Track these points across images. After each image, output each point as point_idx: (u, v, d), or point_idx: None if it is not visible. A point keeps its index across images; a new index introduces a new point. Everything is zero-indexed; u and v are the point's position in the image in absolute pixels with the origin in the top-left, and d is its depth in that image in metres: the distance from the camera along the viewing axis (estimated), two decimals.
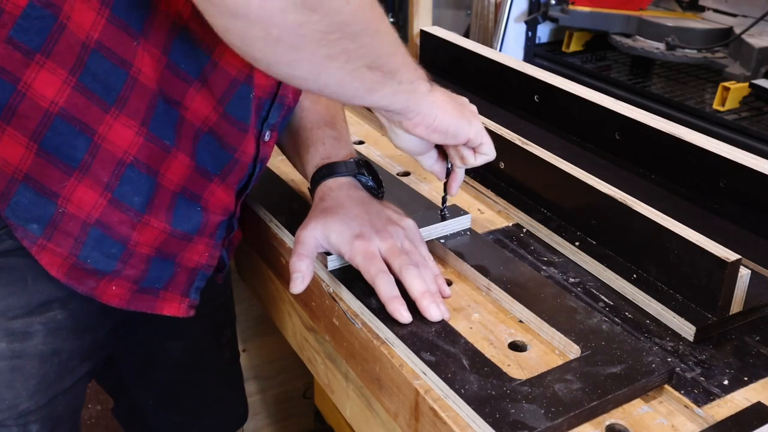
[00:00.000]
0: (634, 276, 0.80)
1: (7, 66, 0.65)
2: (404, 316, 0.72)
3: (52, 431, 0.82)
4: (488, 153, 0.80)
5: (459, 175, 0.85)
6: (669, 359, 0.70)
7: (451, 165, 0.83)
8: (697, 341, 0.73)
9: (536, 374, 0.66)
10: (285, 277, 0.85)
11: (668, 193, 0.96)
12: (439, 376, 0.66)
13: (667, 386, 0.67)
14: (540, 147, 0.94)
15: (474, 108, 0.80)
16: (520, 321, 0.75)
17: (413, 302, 0.73)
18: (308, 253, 0.77)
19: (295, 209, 0.93)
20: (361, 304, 0.76)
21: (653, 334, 0.74)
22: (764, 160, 0.88)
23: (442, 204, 0.89)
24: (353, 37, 0.61)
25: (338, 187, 0.83)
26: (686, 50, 1.87)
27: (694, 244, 0.74)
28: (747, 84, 1.70)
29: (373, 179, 0.86)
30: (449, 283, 0.80)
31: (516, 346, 0.72)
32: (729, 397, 0.67)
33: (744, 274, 0.73)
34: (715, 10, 2.01)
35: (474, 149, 0.79)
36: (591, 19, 2.05)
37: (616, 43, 1.99)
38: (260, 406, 1.52)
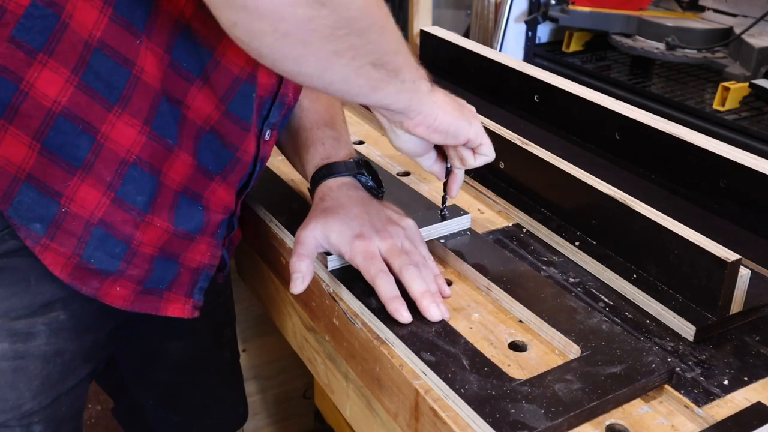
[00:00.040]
0: (634, 276, 0.80)
1: (10, 65, 0.65)
2: (404, 316, 0.72)
3: None
4: (487, 154, 0.80)
5: (459, 176, 0.85)
6: (669, 359, 0.70)
7: (450, 166, 0.83)
8: (697, 341, 0.73)
9: (536, 374, 0.66)
10: (285, 277, 0.85)
11: (668, 193, 0.96)
12: (439, 376, 0.66)
13: (667, 386, 0.67)
14: (540, 147, 0.94)
15: (473, 108, 0.80)
16: (520, 321, 0.75)
17: (413, 302, 0.73)
18: (308, 253, 0.77)
19: (295, 209, 0.93)
20: (361, 304, 0.76)
21: (653, 334, 0.74)
22: (764, 160, 0.88)
23: (442, 204, 0.89)
24: (361, 33, 0.61)
25: (338, 187, 0.83)
26: (686, 50, 1.87)
27: (694, 244, 0.74)
28: (747, 84, 1.70)
29: (373, 179, 0.86)
30: (449, 283, 0.80)
31: (516, 346, 0.72)
32: (729, 397, 0.67)
33: (744, 274, 0.73)
34: (715, 10, 2.01)
35: (473, 150, 0.79)
36: (591, 19, 2.05)
37: (616, 43, 1.99)
38: (260, 406, 1.52)
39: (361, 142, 1.15)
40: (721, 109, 1.69)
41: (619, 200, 0.82)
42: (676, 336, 0.74)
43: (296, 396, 1.55)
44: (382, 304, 0.73)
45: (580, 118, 1.09)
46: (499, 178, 1.00)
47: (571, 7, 2.06)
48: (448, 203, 0.89)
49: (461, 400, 0.63)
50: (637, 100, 1.76)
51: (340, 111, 0.93)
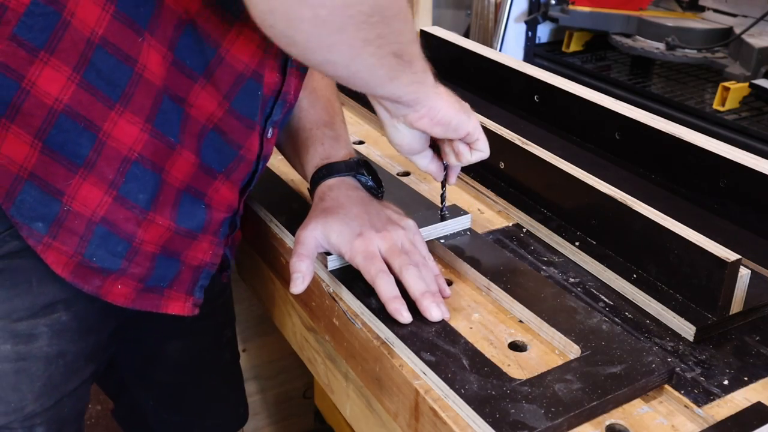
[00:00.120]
0: (634, 276, 0.80)
1: (11, 63, 0.64)
2: (404, 316, 0.72)
3: None
4: (483, 150, 0.80)
5: (456, 169, 0.85)
6: (669, 359, 0.70)
7: (446, 164, 0.83)
8: (697, 341, 0.73)
9: (536, 374, 0.66)
10: (285, 277, 0.85)
11: (668, 193, 0.96)
12: (439, 376, 0.66)
13: (667, 386, 0.67)
14: (540, 147, 0.94)
15: (467, 104, 0.80)
16: (520, 321, 0.75)
17: (413, 302, 0.73)
18: (308, 254, 0.77)
19: (295, 209, 0.93)
20: (361, 304, 0.76)
21: (653, 334, 0.74)
22: (764, 160, 0.88)
23: (442, 202, 0.89)
24: (388, 22, 0.62)
25: (338, 187, 0.83)
26: (686, 50, 1.87)
27: (694, 244, 0.74)
28: (747, 84, 1.70)
29: (372, 179, 0.86)
30: (449, 283, 0.80)
31: (516, 346, 0.72)
32: (729, 397, 0.67)
33: (744, 274, 0.73)
34: (715, 10, 2.01)
35: (470, 145, 0.79)
36: (591, 19, 2.06)
37: (616, 43, 1.99)
38: (260, 406, 1.52)
39: (361, 142, 1.15)
40: (721, 109, 1.69)
41: (619, 200, 0.82)
42: (676, 336, 0.74)
43: (296, 396, 1.55)
44: (382, 304, 0.73)
45: (580, 118, 1.09)
46: (499, 178, 1.00)
47: (571, 7, 2.06)
48: (447, 203, 0.89)
49: (461, 400, 0.63)
50: (637, 100, 1.76)
51: (339, 111, 0.93)
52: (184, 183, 0.76)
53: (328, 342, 0.84)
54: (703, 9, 2.05)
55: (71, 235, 0.71)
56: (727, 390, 0.67)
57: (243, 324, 1.39)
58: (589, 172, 0.87)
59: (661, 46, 1.89)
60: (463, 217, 0.89)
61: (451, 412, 0.64)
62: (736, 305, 0.74)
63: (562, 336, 0.71)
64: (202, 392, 1.08)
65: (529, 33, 2.19)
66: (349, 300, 0.78)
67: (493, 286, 0.78)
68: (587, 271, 0.84)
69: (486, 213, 0.96)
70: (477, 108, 0.81)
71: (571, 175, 0.87)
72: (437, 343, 0.70)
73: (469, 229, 0.89)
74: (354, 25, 0.60)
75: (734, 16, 1.95)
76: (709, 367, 0.70)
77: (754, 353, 0.72)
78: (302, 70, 0.82)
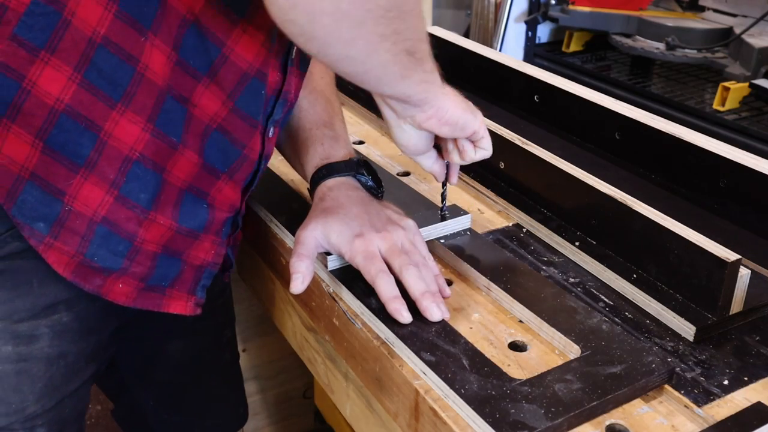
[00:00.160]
0: (634, 276, 0.80)
1: (12, 63, 0.64)
2: (404, 316, 0.72)
3: None
4: (487, 148, 0.80)
5: (456, 167, 0.85)
6: (669, 359, 0.70)
7: (448, 162, 0.83)
8: (697, 341, 0.73)
9: (536, 374, 0.66)
10: (285, 278, 0.85)
11: (668, 193, 0.96)
12: (439, 376, 0.66)
13: (667, 386, 0.67)
14: (540, 147, 0.94)
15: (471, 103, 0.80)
16: (520, 321, 0.75)
17: (413, 302, 0.73)
18: (308, 254, 0.77)
19: (295, 209, 0.93)
20: (361, 304, 0.76)
21: (653, 334, 0.74)
22: (764, 160, 0.88)
23: (442, 202, 0.89)
24: (404, 17, 0.62)
25: (338, 187, 0.83)
26: (686, 50, 1.87)
27: (694, 244, 0.74)
28: (747, 84, 1.70)
29: (372, 179, 0.86)
30: (449, 283, 0.80)
31: (516, 346, 0.72)
32: (729, 397, 0.67)
33: (744, 274, 0.73)
34: (715, 10, 2.01)
35: (474, 143, 0.79)
36: (591, 19, 2.06)
37: (616, 43, 1.99)
38: (260, 406, 1.52)
39: (361, 142, 1.15)
40: (721, 109, 1.69)
41: (619, 200, 0.82)
42: (676, 336, 0.74)
43: (296, 396, 1.55)
44: (382, 304, 0.73)
45: (580, 118, 1.09)
46: (499, 178, 1.00)
47: (571, 7, 2.06)
48: (447, 203, 0.89)
49: (461, 400, 0.63)
50: (637, 100, 1.76)
51: (338, 111, 0.93)
52: (186, 183, 0.76)
53: (328, 342, 0.84)
54: (703, 9, 2.05)
55: (73, 234, 0.71)
56: (727, 390, 0.67)
57: (243, 324, 1.39)
58: (589, 172, 0.87)
59: (661, 46, 1.89)
60: (463, 217, 0.89)
61: (451, 412, 0.64)
62: (736, 305, 0.74)
63: (562, 336, 0.71)
64: (202, 392, 1.08)
65: (529, 33, 2.19)
66: (349, 300, 0.78)
67: (493, 286, 0.78)
68: (587, 271, 0.84)
69: (486, 213, 0.96)
70: (477, 108, 0.81)
71: (571, 175, 0.87)
72: (437, 343, 0.70)
73: (469, 229, 0.89)
74: (373, 20, 0.60)
75: (734, 16, 1.95)
76: (709, 367, 0.70)
77: (754, 353, 0.72)
78: (302, 68, 0.83)
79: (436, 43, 1.37)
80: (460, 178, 0.87)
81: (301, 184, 0.98)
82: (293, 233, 0.83)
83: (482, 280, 0.80)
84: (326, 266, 0.81)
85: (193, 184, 0.77)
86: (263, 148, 0.82)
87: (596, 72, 2.01)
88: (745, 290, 0.74)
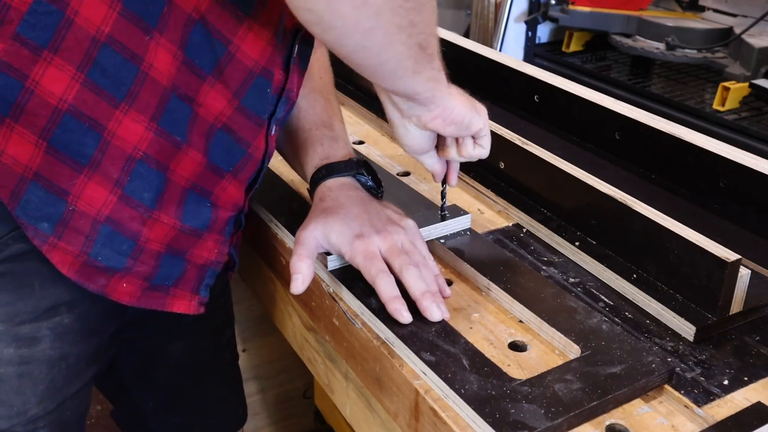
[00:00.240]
0: (634, 276, 0.80)
1: (15, 63, 0.64)
2: (405, 316, 0.72)
3: None
4: (485, 147, 0.80)
5: (456, 164, 0.85)
6: (669, 359, 0.70)
7: (446, 159, 0.83)
8: (697, 341, 0.73)
9: (536, 374, 0.66)
10: (285, 278, 0.85)
11: (668, 193, 0.96)
12: (439, 376, 0.66)
13: (667, 386, 0.67)
14: (540, 147, 0.94)
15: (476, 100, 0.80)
16: (520, 321, 0.75)
17: (413, 302, 0.73)
18: (309, 254, 0.77)
19: (295, 209, 0.93)
20: (361, 304, 0.76)
21: (653, 334, 0.74)
22: (764, 160, 0.88)
23: (442, 203, 0.89)
24: (420, 9, 0.63)
25: (338, 187, 0.83)
26: (686, 50, 1.88)
27: (694, 244, 0.74)
28: (747, 84, 1.70)
29: (372, 179, 0.86)
30: (449, 283, 0.80)
31: (516, 346, 0.72)
32: (729, 397, 0.67)
33: (744, 274, 0.73)
34: (715, 10, 2.01)
35: (475, 140, 0.79)
36: (591, 19, 2.06)
37: (616, 43, 1.99)
38: (260, 406, 1.52)
39: (361, 142, 1.15)
40: (721, 109, 1.69)
41: (619, 200, 0.82)
42: (676, 336, 0.74)
43: (296, 396, 1.55)
44: (382, 304, 0.73)
45: (580, 118, 1.09)
46: (499, 178, 1.00)
47: (571, 7, 2.07)
48: (447, 203, 0.89)
49: (461, 400, 0.63)
50: (637, 100, 1.76)
51: (337, 111, 0.93)
52: (190, 182, 0.76)
53: (328, 342, 0.84)
54: (703, 9, 2.05)
55: (76, 234, 0.71)
56: (727, 390, 0.67)
57: (243, 324, 1.39)
58: (589, 172, 0.87)
59: (661, 46, 1.89)
60: (463, 217, 0.89)
61: (451, 412, 0.64)
62: (736, 305, 0.74)
63: (562, 336, 0.71)
64: (201, 393, 1.08)
65: (529, 33, 2.19)
66: (349, 300, 0.78)
67: (493, 286, 0.78)
68: (587, 271, 0.84)
69: (486, 213, 0.96)
70: (483, 105, 0.81)
71: (571, 175, 0.87)
72: (437, 343, 0.70)
73: (469, 229, 0.89)
74: (390, 9, 0.60)
75: (734, 16, 1.95)
76: (709, 367, 0.70)
77: (754, 353, 0.72)
78: (302, 66, 0.82)
79: None
80: (460, 178, 0.88)
81: (301, 185, 0.98)
82: (293, 233, 0.83)
83: (482, 280, 0.80)
84: (326, 266, 0.81)
85: (197, 183, 0.76)
86: (267, 147, 0.82)
87: (596, 72, 2.01)
88: (745, 290, 0.74)
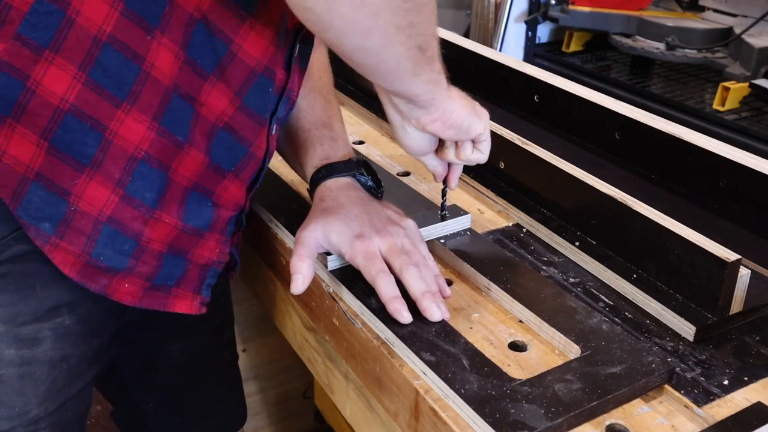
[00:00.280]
0: (634, 276, 0.80)
1: (16, 63, 0.64)
2: (405, 316, 0.72)
3: None
4: (483, 152, 0.80)
5: (458, 168, 0.85)
6: (669, 359, 0.70)
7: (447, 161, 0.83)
8: (697, 341, 0.73)
9: (536, 374, 0.66)
10: (285, 278, 0.85)
11: (668, 193, 0.96)
12: (439, 376, 0.66)
13: (667, 386, 0.67)
14: (540, 147, 0.94)
15: (478, 104, 0.80)
16: (520, 321, 0.75)
17: (413, 302, 0.73)
18: (309, 254, 0.77)
19: (295, 209, 0.93)
20: (361, 304, 0.76)
21: (653, 334, 0.74)
22: (764, 160, 0.88)
23: (442, 203, 0.89)
24: (419, 10, 0.63)
25: (337, 187, 0.83)
26: (686, 50, 1.88)
27: (694, 244, 0.74)
28: (747, 84, 1.70)
29: (372, 179, 0.86)
30: (449, 283, 0.80)
31: (516, 346, 0.72)
32: (729, 397, 0.67)
33: (744, 274, 0.73)
34: (715, 10, 2.01)
35: (474, 145, 0.79)
36: (591, 19, 2.06)
37: (616, 43, 1.99)
38: (260, 406, 1.52)
39: (361, 142, 1.15)
40: (721, 109, 1.69)
41: (619, 200, 0.82)
42: (676, 336, 0.74)
43: (296, 396, 1.55)
44: (382, 304, 0.73)
45: (580, 118, 1.09)
46: (499, 178, 1.00)
47: (571, 7, 2.07)
48: (447, 203, 0.89)
49: (461, 400, 0.63)
50: (637, 100, 1.76)
51: (337, 111, 0.93)
52: (192, 181, 0.76)
53: (328, 342, 0.84)
54: (703, 9, 2.05)
55: (78, 234, 0.71)
56: (727, 390, 0.67)
57: (243, 324, 1.39)
58: (589, 172, 0.87)
59: (661, 46, 1.89)
60: (463, 217, 0.89)
61: (451, 412, 0.64)
62: (736, 305, 0.74)
63: (562, 336, 0.71)
64: (202, 393, 1.08)
65: (529, 33, 2.19)
66: (349, 300, 0.78)
67: (493, 286, 0.78)
68: (587, 271, 0.84)
69: (486, 213, 0.96)
70: (484, 108, 0.81)
71: (571, 175, 0.87)
72: (437, 343, 0.70)
73: (469, 229, 0.89)
74: (390, 10, 0.60)
75: (734, 16, 1.95)
76: (709, 367, 0.70)
77: (754, 353, 0.72)
78: (302, 66, 0.82)
79: None
80: (460, 178, 0.87)
81: (301, 185, 0.98)
82: (293, 233, 0.83)
83: (482, 280, 0.80)
84: (326, 266, 0.81)
85: (199, 183, 0.76)
86: (268, 146, 0.82)
87: (596, 72, 2.01)
88: (745, 290, 0.74)
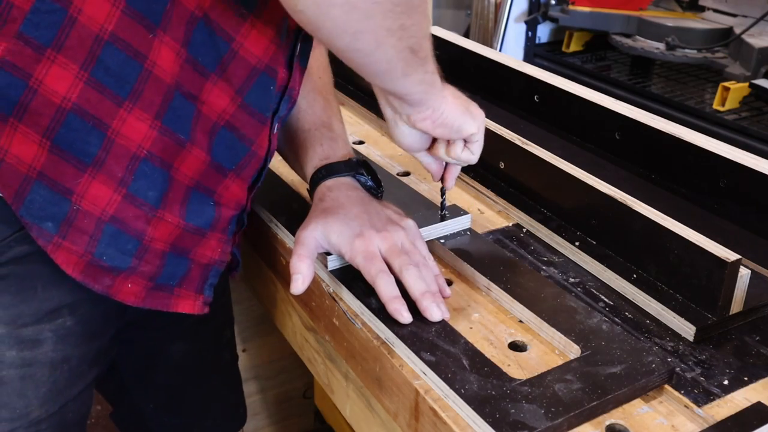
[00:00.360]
0: (634, 276, 0.80)
1: (18, 62, 0.64)
2: (405, 316, 0.72)
3: None
4: (475, 152, 0.80)
5: (455, 167, 0.85)
6: (669, 359, 0.70)
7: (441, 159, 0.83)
8: (697, 341, 0.73)
9: (536, 374, 0.66)
10: (285, 278, 0.85)
11: (668, 193, 0.96)
12: (439, 376, 0.66)
13: (667, 386, 0.67)
14: (540, 147, 0.94)
15: (476, 105, 0.80)
16: (520, 321, 0.75)
17: (413, 302, 0.73)
18: (309, 254, 0.77)
19: (295, 209, 0.93)
20: (361, 304, 0.76)
21: (653, 334, 0.74)
22: (764, 160, 0.88)
23: (442, 204, 0.89)
24: (410, 13, 0.63)
25: (337, 187, 0.83)
26: (686, 50, 1.88)
27: (694, 244, 0.74)
28: (747, 84, 1.70)
29: (372, 179, 0.86)
30: (449, 283, 0.80)
31: (516, 346, 0.72)
32: (729, 397, 0.67)
33: (744, 274, 0.73)
34: (715, 10, 2.01)
35: (466, 145, 0.80)
36: (591, 19, 2.06)
37: (616, 43, 1.99)
38: (260, 406, 1.52)
39: (361, 142, 1.15)
40: (721, 109, 1.69)
41: (619, 200, 0.82)
42: (676, 336, 0.74)
43: (296, 396, 1.55)
44: (382, 304, 0.73)
45: (580, 118, 1.09)
46: (499, 178, 1.00)
47: (571, 7, 2.07)
48: (447, 203, 0.89)
49: (461, 400, 0.63)
50: (637, 100, 1.76)
51: (336, 111, 0.93)
52: (194, 180, 0.76)
53: (328, 342, 0.84)
54: (703, 9, 2.05)
55: (81, 234, 0.71)
56: (727, 390, 0.67)
57: (243, 324, 1.39)
58: (589, 172, 0.87)
59: (661, 46, 1.89)
60: (463, 217, 0.89)
61: (451, 412, 0.64)
62: (736, 305, 0.74)
63: (562, 336, 0.71)
64: (202, 393, 1.08)
65: (529, 33, 2.19)
66: (349, 300, 0.78)
67: (493, 286, 0.78)
68: (587, 271, 0.84)
69: (486, 213, 0.96)
70: (481, 109, 0.81)
71: (571, 175, 0.87)
72: (437, 343, 0.70)
73: (469, 229, 0.89)
74: (381, 13, 0.61)
75: (734, 16, 1.95)
76: (709, 367, 0.70)
77: (754, 353, 0.72)
78: (302, 64, 0.82)
79: (436, 43, 1.37)
80: (460, 178, 0.88)
81: (301, 185, 0.98)
82: (293, 233, 0.83)
83: (482, 280, 0.80)
84: (326, 266, 0.81)
85: (201, 182, 0.76)
86: (269, 145, 0.82)
87: (596, 72, 2.01)
88: (745, 290, 0.74)
